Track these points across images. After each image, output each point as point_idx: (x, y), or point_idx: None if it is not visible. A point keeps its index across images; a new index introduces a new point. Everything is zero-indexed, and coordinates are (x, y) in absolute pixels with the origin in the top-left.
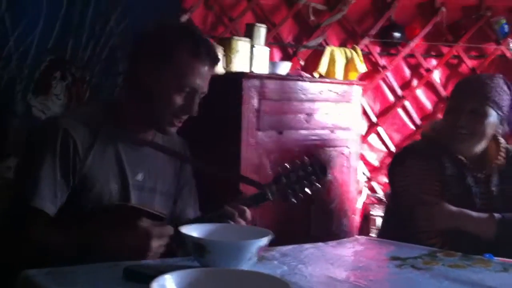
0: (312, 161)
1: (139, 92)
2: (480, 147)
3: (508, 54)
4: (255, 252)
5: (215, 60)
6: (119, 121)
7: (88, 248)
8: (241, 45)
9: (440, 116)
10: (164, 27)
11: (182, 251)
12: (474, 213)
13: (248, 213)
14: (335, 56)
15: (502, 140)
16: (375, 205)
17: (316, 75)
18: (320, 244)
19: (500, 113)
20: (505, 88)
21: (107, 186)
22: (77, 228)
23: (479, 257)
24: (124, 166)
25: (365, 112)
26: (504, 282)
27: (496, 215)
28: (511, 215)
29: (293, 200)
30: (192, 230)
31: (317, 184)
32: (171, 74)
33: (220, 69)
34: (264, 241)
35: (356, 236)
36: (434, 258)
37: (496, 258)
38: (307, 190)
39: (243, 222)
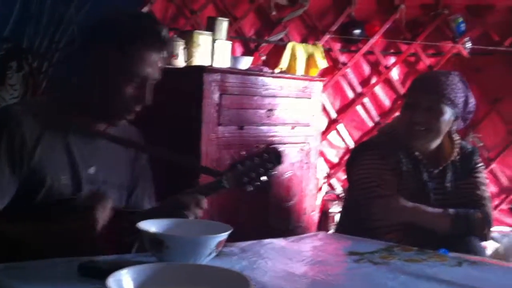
0: (268, 149)
1: (90, 82)
2: (435, 143)
3: (464, 53)
4: (214, 247)
5: (167, 47)
6: (71, 112)
7: (38, 241)
8: (203, 38)
9: (398, 113)
10: (116, 14)
11: (138, 246)
12: (429, 208)
13: (204, 202)
14: (297, 51)
15: (456, 137)
16: (334, 201)
17: (277, 70)
18: (279, 239)
19: (455, 110)
20: (460, 85)
21: (58, 180)
22: (26, 222)
23: (435, 252)
24: (75, 159)
25: (325, 109)
26: (457, 276)
27: (450, 210)
28: (464, 210)
29: (249, 187)
30: (150, 225)
31: (273, 171)
32: (121, 63)
33: (180, 62)
34: (224, 236)
35: (316, 231)
36: (391, 252)
37: (450, 253)
38: (263, 177)
39: (200, 213)
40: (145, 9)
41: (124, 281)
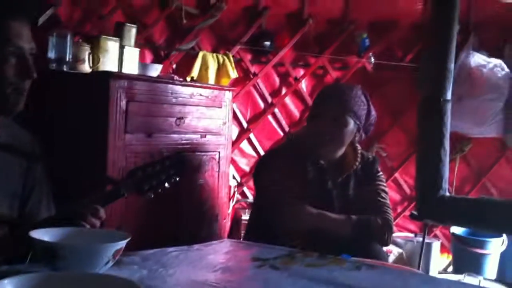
0: (171, 156)
1: None
2: (339, 153)
3: (368, 67)
4: (111, 256)
5: (29, 13)
6: None
7: None
8: (110, 44)
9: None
10: None
11: (32, 256)
12: (332, 215)
13: (102, 212)
14: (208, 61)
15: (358, 147)
16: (246, 209)
17: (188, 79)
18: (184, 247)
19: (357, 122)
20: (363, 98)
21: None
22: None
23: (335, 256)
24: None
25: (236, 118)
26: (355, 279)
27: (353, 216)
28: (366, 217)
29: (149, 194)
30: (43, 234)
31: (176, 178)
32: None
33: (86, 68)
34: (121, 244)
35: (223, 239)
36: (293, 258)
37: (352, 258)
38: (165, 184)
39: (97, 222)
40: (49, 12)
41: None
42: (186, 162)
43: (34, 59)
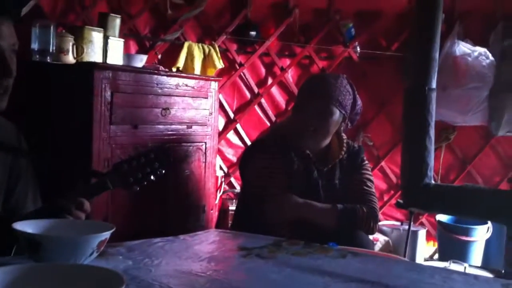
0: (156, 149)
1: None
2: (324, 143)
3: (354, 57)
4: (95, 247)
5: (8, 12)
6: None
7: None
8: (94, 35)
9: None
10: None
11: (17, 248)
12: (318, 204)
13: (87, 205)
14: (193, 51)
15: (344, 136)
16: (233, 200)
17: (174, 69)
18: (170, 238)
19: (343, 111)
20: (348, 88)
21: None
22: None
23: (320, 245)
24: None
25: (223, 108)
26: (340, 267)
27: (339, 205)
28: (351, 206)
29: (135, 187)
30: (27, 226)
31: (161, 171)
32: None
33: (70, 59)
34: (105, 235)
35: (209, 229)
36: (279, 247)
37: (338, 246)
38: (150, 177)
39: (81, 215)
40: (32, 3)
41: None
42: (171, 154)
43: (17, 53)
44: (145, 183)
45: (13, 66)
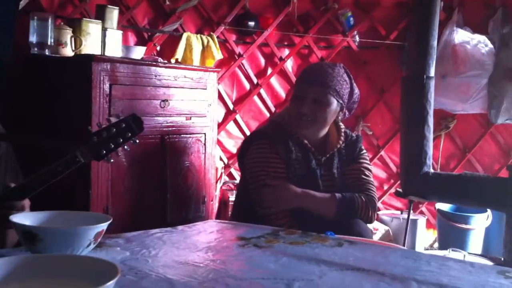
0: (126, 118)
1: None
2: (322, 132)
3: (353, 46)
4: (92, 238)
5: None
6: None
7: None
8: (92, 27)
9: None
10: None
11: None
12: (317, 193)
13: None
14: (192, 42)
15: (342, 125)
16: (233, 191)
17: (173, 61)
18: (168, 228)
19: (340, 101)
20: (345, 77)
21: None
22: None
23: (318, 234)
24: None
25: (222, 100)
26: (337, 255)
27: (337, 194)
28: (350, 195)
29: (108, 158)
30: (24, 219)
31: (133, 139)
32: None
33: (69, 51)
34: (102, 227)
35: (207, 220)
36: (276, 236)
37: (335, 235)
38: (123, 146)
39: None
40: None
41: None
42: (141, 121)
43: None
44: (117, 152)
45: None
